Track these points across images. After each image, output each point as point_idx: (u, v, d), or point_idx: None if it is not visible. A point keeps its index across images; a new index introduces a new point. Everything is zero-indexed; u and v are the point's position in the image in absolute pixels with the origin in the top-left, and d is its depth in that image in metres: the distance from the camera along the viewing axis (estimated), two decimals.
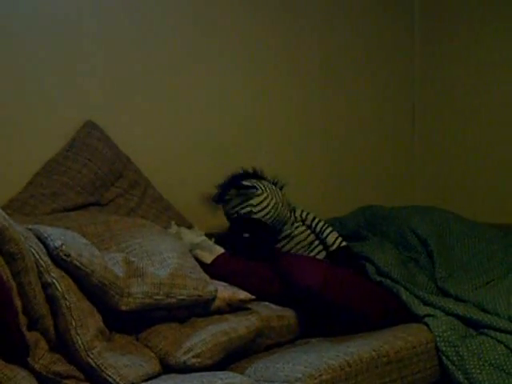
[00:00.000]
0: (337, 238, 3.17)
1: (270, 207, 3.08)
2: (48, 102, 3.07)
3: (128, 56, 3.30)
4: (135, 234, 2.63)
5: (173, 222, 3.10)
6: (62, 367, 2.12)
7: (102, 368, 2.13)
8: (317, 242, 3.19)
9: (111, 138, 3.19)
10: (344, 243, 3.18)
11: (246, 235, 3.05)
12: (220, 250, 2.90)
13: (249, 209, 3.07)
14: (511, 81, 4.05)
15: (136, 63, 3.32)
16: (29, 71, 3.01)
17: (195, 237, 2.93)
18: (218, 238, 3.05)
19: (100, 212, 2.97)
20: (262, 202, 3.08)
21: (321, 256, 3.17)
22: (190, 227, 3.16)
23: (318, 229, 3.20)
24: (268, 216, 3.08)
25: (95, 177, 3.08)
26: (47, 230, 2.30)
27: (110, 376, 2.13)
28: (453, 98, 4.30)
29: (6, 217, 2.13)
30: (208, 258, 2.85)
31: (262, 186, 3.11)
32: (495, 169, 4.14)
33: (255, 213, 3.07)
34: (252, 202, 3.07)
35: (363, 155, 4.25)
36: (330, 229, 3.20)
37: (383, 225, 3.47)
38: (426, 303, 2.94)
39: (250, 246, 3.03)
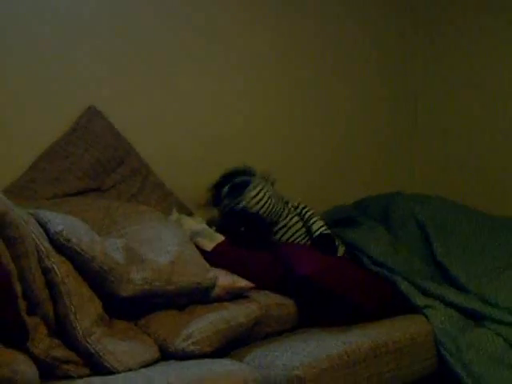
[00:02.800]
0: (321, 226, 3.18)
1: (264, 201, 3.09)
2: (51, 87, 3.05)
3: (132, 43, 3.28)
4: (136, 220, 2.64)
5: (174, 209, 3.09)
6: (60, 352, 2.12)
7: (101, 354, 2.14)
8: None
9: (113, 124, 3.19)
10: (327, 231, 3.18)
11: (242, 229, 3.05)
12: (220, 237, 2.90)
13: (244, 204, 3.08)
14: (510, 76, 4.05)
15: (140, 51, 3.31)
16: (32, 56, 3.00)
17: (196, 224, 2.93)
18: (219, 226, 3.05)
19: (101, 198, 2.97)
20: (256, 195, 3.09)
21: None
22: (190, 215, 3.16)
23: (306, 216, 3.22)
24: (263, 209, 3.09)
25: (97, 162, 3.07)
26: (48, 215, 2.30)
27: (108, 362, 2.15)
28: (454, 92, 4.29)
29: (7, 201, 2.13)
30: (208, 246, 2.84)
31: (254, 181, 3.13)
32: (497, 162, 4.13)
33: (250, 207, 3.07)
34: (246, 196, 3.08)
35: (363, 148, 4.24)
36: (316, 217, 3.23)
37: (386, 208, 3.48)
38: (425, 293, 2.93)
39: (247, 239, 3.03)
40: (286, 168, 3.75)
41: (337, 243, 3.18)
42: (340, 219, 3.42)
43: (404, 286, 2.95)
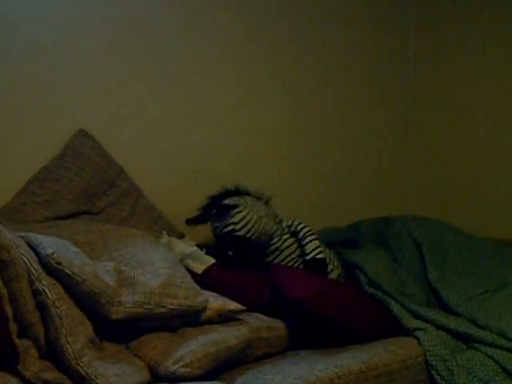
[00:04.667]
0: (316, 248, 3.15)
1: (252, 222, 3.08)
2: (41, 110, 3.06)
3: (122, 66, 3.30)
4: (127, 243, 2.63)
5: (164, 232, 3.10)
6: (51, 375, 2.12)
7: (92, 376, 2.14)
8: None
9: (104, 147, 3.20)
10: (321, 255, 3.15)
11: (230, 253, 3.05)
12: (211, 260, 2.90)
13: (231, 227, 3.07)
14: (506, 94, 4.07)
15: (130, 73, 3.32)
16: (22, 79, 3.01)
17: (186, 247, 2.93)
18: (209, 249, 3.05)
19: (92, 221, 2.97)
20: (243, 218, 3.08)
21: None
22: (181, 237, 3.16)
23: (300, 234, 3.19)
24: (251, 231, 3.08)
25: (87, 185, 3.07)
26: (39, 238, 2.30)
27: None
28: (446, 111, 4.31)
29: None
30: (199, 269, 2.85)
31: (242, 203, 3.12)
32: (491, 182, 4.15)
33: (238, 230, 3.07)
34: (233, 219, 3.07)
35: (358, 170, 4.25)
36: (312, 237, 3.19)
37: (383, 229, 3.49)
38: (417, 316, 2.93)
39: (236, 262, 3.03)
40: (282, 187, 3.77)
41: (330, 268, 3.18)
42: (342, 240, 3.42)
43: (397, 308, 2.94)
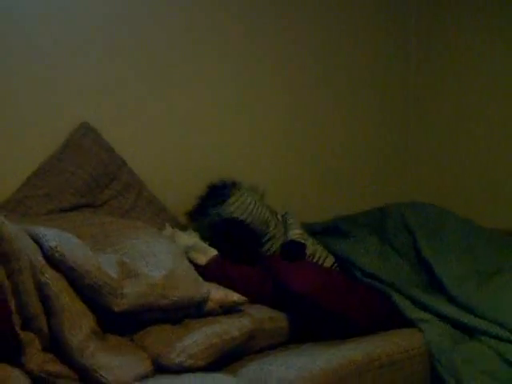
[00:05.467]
0: (296, 234, 3.21)
1: (246, 204, 3.18)
2: (43, 103, 3.07)
3: (125, 60, 3.30)
4: (130, 235, 2.64)
5: (167, 224, 3.11)
6: (54, 367, 2.13)
7: (95, 368, 2.14)
8: None
9: (106, 140, 3.20)
10: (302, 240, 3.19)
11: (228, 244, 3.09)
12: (214, 252, 2.92)
13: (228, 209, 3.13)
14: (506, 94, 4.09)
15: (133, 67, 3.33)
16: (24, 72, 3.01)
17: (189, 239, 2.94)
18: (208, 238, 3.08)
19: (95, 213, 2.97)
20: (238, 199, 3.18)
21: None
22: (184, 229, 3.17)
23: (287, 224, 3.26)
24: (247, 213, 3.16)
25: (90, 178, 3.08)
26: (42, 231, 2.31)
27: (102, 376, 2.14)
28: (446, 111, 4.33)
29: (1, 217, 2.14)
30: (202, 260, 2.86)
31: (238, 191, 3.22)
32: (490, 183, 4.15)
33: (234, 212, 3.14)
34: (229, 201, 3.17)
35: (357, 169, 4.26)
36: (297, 225, 3.26)
37: (379, 217, 3.50)
38: (418, 305, 2.93)
39: (235, 248, 3.05)
40: (281, 186, 3.79)
41: (324, 255, 3.20)
42: (327, 228, 3.43)
43: (398, 299, 2.94)
